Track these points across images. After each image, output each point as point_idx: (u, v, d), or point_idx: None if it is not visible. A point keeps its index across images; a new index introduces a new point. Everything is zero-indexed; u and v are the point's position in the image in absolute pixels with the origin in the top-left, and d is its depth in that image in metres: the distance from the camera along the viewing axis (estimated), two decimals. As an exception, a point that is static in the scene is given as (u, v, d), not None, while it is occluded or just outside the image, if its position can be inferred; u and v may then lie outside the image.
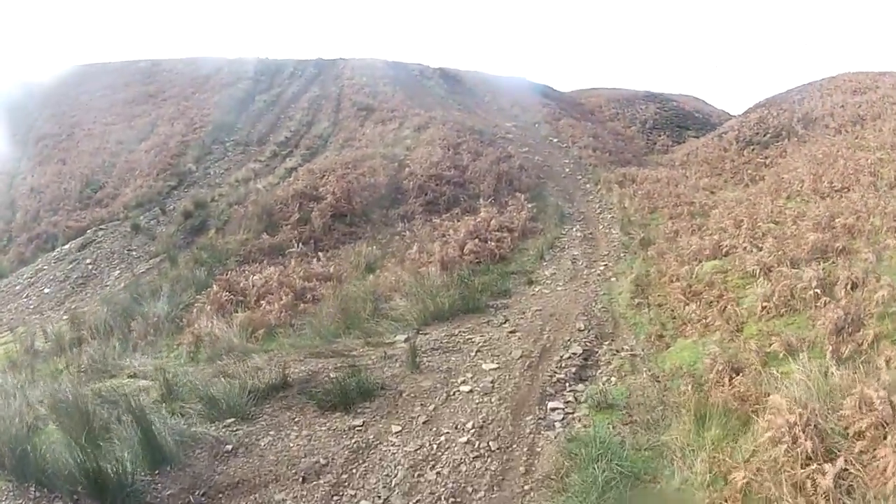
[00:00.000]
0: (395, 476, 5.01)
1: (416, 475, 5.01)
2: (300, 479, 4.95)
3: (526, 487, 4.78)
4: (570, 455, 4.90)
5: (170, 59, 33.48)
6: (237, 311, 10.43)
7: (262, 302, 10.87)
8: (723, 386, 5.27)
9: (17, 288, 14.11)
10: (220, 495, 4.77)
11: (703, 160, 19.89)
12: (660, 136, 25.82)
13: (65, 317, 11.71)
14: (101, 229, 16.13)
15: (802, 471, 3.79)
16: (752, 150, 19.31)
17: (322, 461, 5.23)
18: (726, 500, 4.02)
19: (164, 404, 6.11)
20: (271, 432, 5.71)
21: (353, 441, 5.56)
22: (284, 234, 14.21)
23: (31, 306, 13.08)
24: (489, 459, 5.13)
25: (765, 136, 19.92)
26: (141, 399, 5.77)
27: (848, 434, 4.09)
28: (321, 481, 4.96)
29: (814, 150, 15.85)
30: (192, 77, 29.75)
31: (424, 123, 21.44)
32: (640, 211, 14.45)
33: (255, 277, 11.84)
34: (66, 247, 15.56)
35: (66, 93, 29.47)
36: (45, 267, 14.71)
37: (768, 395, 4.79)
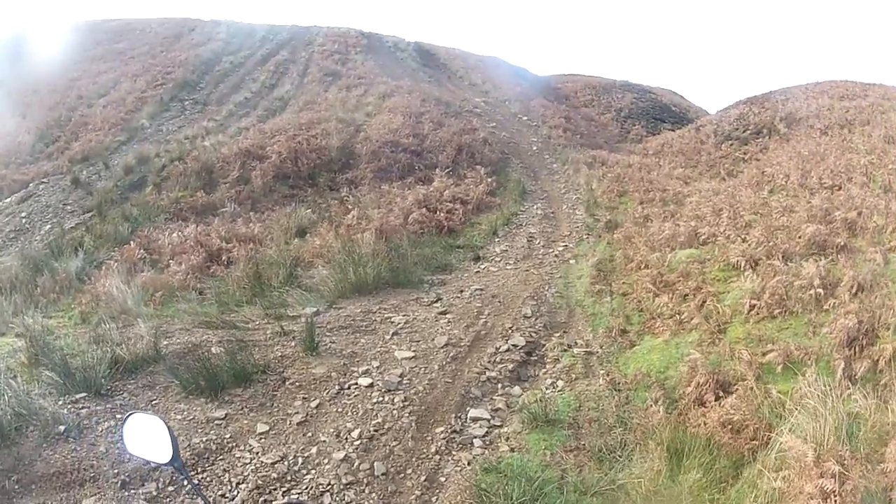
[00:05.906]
0: (231, 500, 3.63)
1: (257, 502, 3.57)
2: (119, 484, 3.89)
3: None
4: (483, 496, 3.37)
5: (144, 19, 32.35)
6: (146, 271, 9.48)
7: (171, 262, 9.81)
8: (705, 407, 3.82)
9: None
10: (33, 485, 3.92)
11: (679, 151, 18.61)
12: (634, 125, 24.61)
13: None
14: (42, 183, 15.00)
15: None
16: (731, 144, 18.07)
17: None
18: None
19: (28, 369, 5.31)
20: (118, 415, 4.55)
21: (205, 439, 4.27)
22: (221, 193, 13.18)
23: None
24: (367, 490, 3.64)
25: (745, 132, 18.70)
26: (7, 362, 5.34)
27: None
28: (140, 491, 3.79)
29: (798, 148, 14.73)
30: (163, 36, 28.51)
31: (390, 91, 20.14)
32: (608, 194, 13.05)
33: (174, 235, 10.83)
34: (8, 200, 14.45)
35: (38, 49, 28.23)
36: (-15, 221, 13.47)
37: (771, 430, 3.39)
